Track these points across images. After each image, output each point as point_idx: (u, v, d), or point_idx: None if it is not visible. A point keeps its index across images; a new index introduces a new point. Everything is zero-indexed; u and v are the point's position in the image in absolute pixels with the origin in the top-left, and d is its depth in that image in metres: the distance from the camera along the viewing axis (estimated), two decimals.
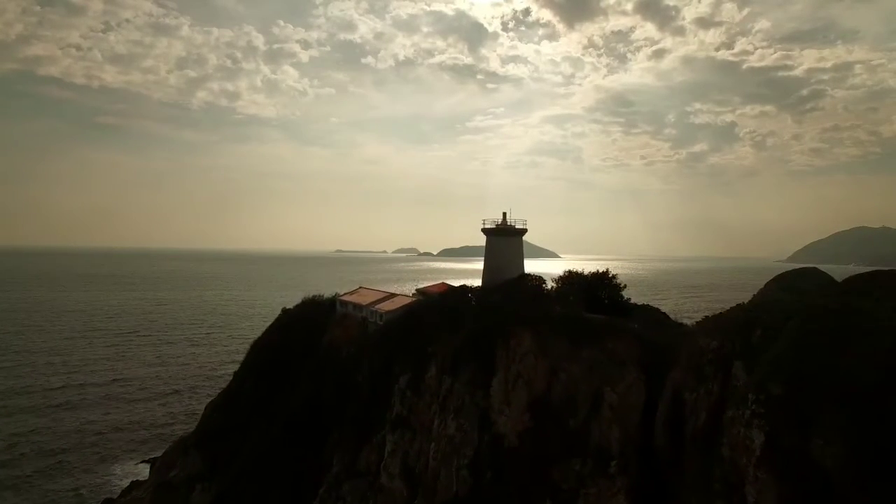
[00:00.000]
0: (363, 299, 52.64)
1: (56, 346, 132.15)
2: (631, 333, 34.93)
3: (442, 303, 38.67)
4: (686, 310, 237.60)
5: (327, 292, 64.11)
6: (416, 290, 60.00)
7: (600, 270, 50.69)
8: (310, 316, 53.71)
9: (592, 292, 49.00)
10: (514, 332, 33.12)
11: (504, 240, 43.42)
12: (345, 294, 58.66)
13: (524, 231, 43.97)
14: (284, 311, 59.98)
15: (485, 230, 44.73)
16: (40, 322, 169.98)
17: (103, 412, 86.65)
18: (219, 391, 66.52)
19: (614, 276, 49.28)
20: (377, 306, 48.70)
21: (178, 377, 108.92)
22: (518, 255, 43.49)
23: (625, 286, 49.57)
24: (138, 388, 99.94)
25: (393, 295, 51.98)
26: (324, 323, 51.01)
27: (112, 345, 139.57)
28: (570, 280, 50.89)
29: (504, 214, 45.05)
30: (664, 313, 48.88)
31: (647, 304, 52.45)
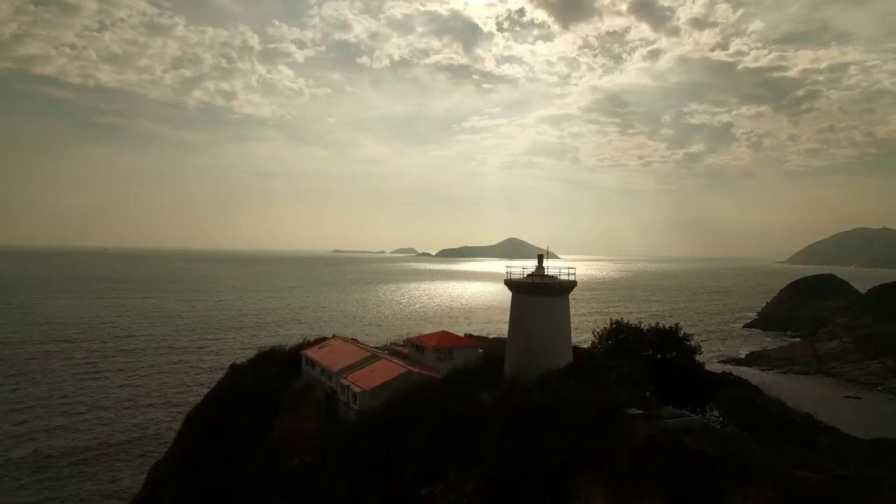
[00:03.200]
0: (334, 360, 38.13)
1: (7, 373, 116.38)
2: (767, 471, 20.71)
3: (443, 403, 24.01)
4: (706, 322, 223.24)
5: (302, 328, 49.14)
6: (407, 340, 45.77)
7: (663, 324, 36.59)
8: (261, 383, 39.12)
9: (654, 353, 34.99)
10: (573, 483, 18.69)
11: (541, 301, 26.68)
12: (314, 346, 44.10)
13: (573, 285, 27.60)
14: (233, 368, 45.38)
15: (510, 283, 28.42)
16: (5, 335, 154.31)
17: (33, 478, 69.80)
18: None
19: (686, 335, 35.07)
20: (351, 377, 34.24)
21: (142, 417, 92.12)
22: (564, 325, 27.29)
23: (699, 349, 35.38)
24: (92, 436, 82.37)
25: (374, 356, 37.41)
26: (277, 398, 36.58)
27: (80, 366, 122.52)
28: (620, 336, 36.72)
29: (540, 258, 28.81)
30: (754, 385, 34.85)
31: (728, 372, 38.34)
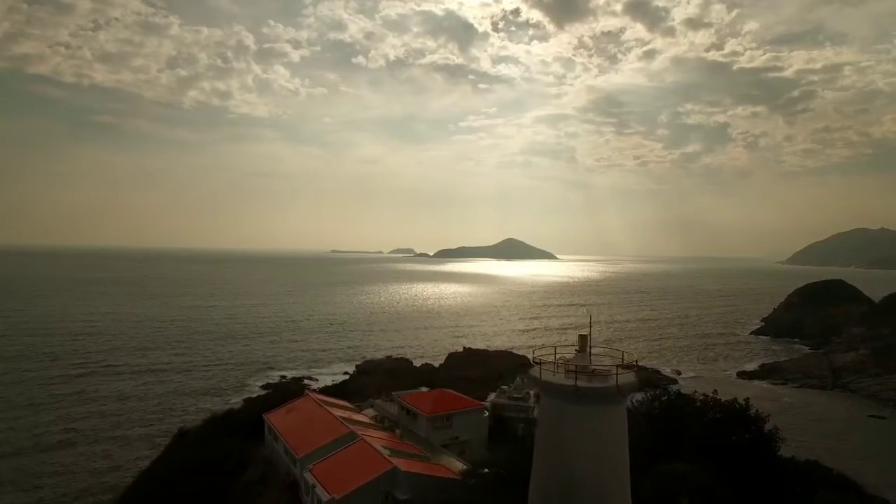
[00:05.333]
0: (301, 437, 29.79)
1: None
2: None
3: None
4: (711, 328, 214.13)
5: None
6: (395, 393, 37.57)
7: (724, 397, 28.38)
8: (208, 466, 30.72)
9: (717, 434, 26.87)
10: None
11: (587, 413, 17.35)
12: (279, 409, 35.68)
13: (633, 386, 17.82)
14: (181, 437, 36.96)
15: (541, 383, 18.12)
16: None
17: None
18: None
19: (760, 415, 26.88)
20: (317, 469, 25.90)
21: (111, 458, 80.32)
22: (619, 452, 17.85)
23: (777, 433, 27.10)
24: (56, 479, 70.95)
25: (351, 435, 29.01)
26: (224, 492, 28.24)
27: (58, 385, 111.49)
28: (673, 417, 28.14)
29: (582, 340, 19.00)
30: (849, 480, 26.68)
31: (814, 461, 30.20)
